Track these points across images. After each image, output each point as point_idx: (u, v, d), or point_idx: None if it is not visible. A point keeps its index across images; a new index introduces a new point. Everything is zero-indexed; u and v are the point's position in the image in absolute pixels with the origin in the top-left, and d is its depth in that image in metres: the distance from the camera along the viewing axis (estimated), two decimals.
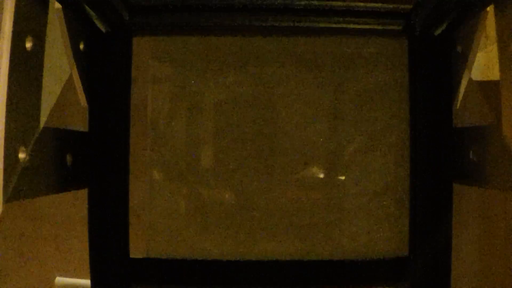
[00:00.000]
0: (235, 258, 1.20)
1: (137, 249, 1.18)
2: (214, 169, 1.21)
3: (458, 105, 1.11)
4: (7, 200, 0.75)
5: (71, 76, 1.02)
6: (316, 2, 1.16)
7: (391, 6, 1.17)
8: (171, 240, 1.21)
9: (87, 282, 1.09)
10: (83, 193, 1.12)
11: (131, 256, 1.16)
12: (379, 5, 1.17)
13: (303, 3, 1.17)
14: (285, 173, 1.22)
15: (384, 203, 1.22)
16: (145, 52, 1.21)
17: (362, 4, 1.17)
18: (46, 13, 0.88)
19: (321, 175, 1.22)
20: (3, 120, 0.74)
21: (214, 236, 1.21)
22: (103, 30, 1.13)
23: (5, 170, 0.74)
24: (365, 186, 1.22)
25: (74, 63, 1.01)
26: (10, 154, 0.76)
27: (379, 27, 1.18)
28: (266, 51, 1.23)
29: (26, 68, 0.81)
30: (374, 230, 1.21)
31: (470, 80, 1.06)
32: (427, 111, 1.16)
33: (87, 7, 1.03)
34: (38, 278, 1.11)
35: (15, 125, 0.78)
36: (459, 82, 1.09)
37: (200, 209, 1.21)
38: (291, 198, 1.22)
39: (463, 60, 1.07)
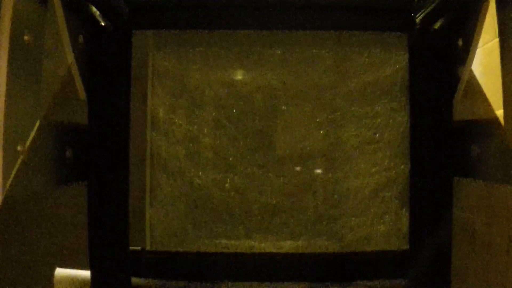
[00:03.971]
0: (234, 251, 1.21)
1: (136, 241, 1.19)
2: (213, 163, 1.22)
3: (458, 99, 1.11)
4: (7, 193, 0.75)
5: (70, 69, 1.02)
6: None
7: (392, 1, 1.16)
8: (171, 233, 1.22)
9: (87, 273, 1.10)
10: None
11: (131, 248, 1.17)
12: (380, 0, 1.17)
13: None
14: (285, 168, 1.22)
15: (385, 197, 1.22)
16: (145, 47, 1.22)
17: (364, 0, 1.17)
18: (45, 8, 0.88)
19: (322, 170, 1.23)
20: (3, 114, 0.75)
21: (213, 229, 1.21)
22: (103, 24, 1.13)
23: (4, 164, 0.75)
24: (366, 180, 1.22)
25: (73, 57, 1.01)
26: (10, 149, 0.77)
27: (379, 22, 1.18)
28: (266, 46, 1.23)
29: (25, 62, 0.82)
30: (374, 224, 1.22)
31: (471, 74, 1.05)
32: (427, 105, 1.16)
33: (86, 2, 1.04)
34: (38, 269, 1.11)
35: (14, 119, 0.78)
36: (459, 76, 1.09)
37: (200, 203, 1.22)
38: (290, 193, 1.22)
39: (463, 54, 1.06)
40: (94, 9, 1.06)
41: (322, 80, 1.23)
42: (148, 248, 1.21)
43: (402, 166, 1.21)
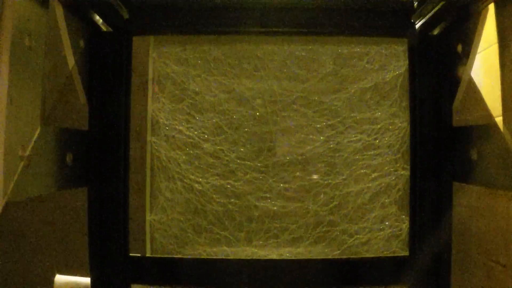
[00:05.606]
0: (234, 257, 1.20)
1: (136, 247, 1.18)
2: (213, 169, 1.21)
3: (458, 104, 1.11)
4: (8, 198, 0.75)
5: (71, 74, 1.02)
6: (316, 2, 1.16)
7: (391, 6, 1.17)
8: (171, 239, 1.21)
9: (87, 280, 1.09)
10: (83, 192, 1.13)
11: (131, 254, 1.17)
12: (379, 5, 1.17)
13: (303, 2, 1.17)
14: (285, 174, 1.22)
15: (385, 203, 1.22)
16: (146, 52, 1.22)
17: (362, 4, 1.17)
18: (46, 12, 0.88)
19: (321, 176, 1.22)
20: (4, 119, 0.74)
21: (213, 235, 1.21)
22: (104, 29, 1.13)
23: (5, 168, 0.74)
24: (366, 186, 1.22)
25: (74, 62, 1.01)
26: (11, 153, 0.76)
27: (379, 27, 1.18)
28: (266, 50, 1.23)
29: (26, 66, 0.82)
30: (374, 230, 1.21)
31: (470, 79, 1.05)
32: (427, 110, 1.16)
33: (87, 7, 1.04)
34: (38, 276, 1.10)
35: (15, 124, 0.78)
36: (458, 81, 1.09)
37: (200, 208, 1.21)
38: (290, 198, 1.22)
39: (463, 59, 1.06)
40: (95, 14, 1.06)
41: (322, 86, 1.23)
42: (148, 254, 1.20)
43: (402, 172, 1.21)
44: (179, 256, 1.20)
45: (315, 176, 1.22)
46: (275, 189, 1.21)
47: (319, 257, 1.21)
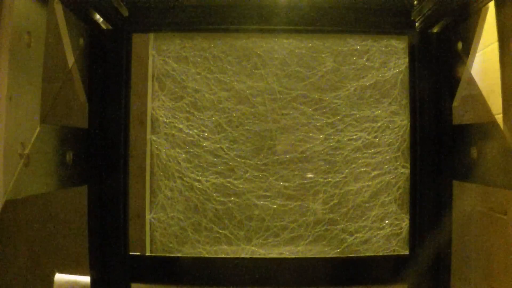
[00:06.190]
0: (234, 256, 1.20)
1: (136, 246, 1.18)
2: (213, 167, 1.21)
3: (458, 102, 1.11)
4: (8, 197, 0.75)
5: (71, 73, 1.02)
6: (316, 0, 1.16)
7: (391, 4, 1.17)
8: (171, 238, 1.21)
9: (87, 278, 1.09)
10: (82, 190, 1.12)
11: (131, 253, 1.16)
12: (379, 3, 1.17)
13: (302, 0, 1.17)
14: (284, 171, 1.22)
15: (385, 201, 1.21)
16: (145, 50, 1.22)
17: (362, 2, 1.17)
18: (45, 10, 0.87)
19: (321, 174, 1.22)
20: (4, 117, 0.74)
21: (213, 234, 1.21)
22: (103, 27, 1.13)
23: (5, 167, 0.74)
24: (365, 184, 1.22)
25: (74, 60, 1.01)
26: (11, 151, 0.76)
27: (379, 25, 1.18)
28: (266, 48, 1.23)
29: (26, 65, 0.81)
30: (374, 228, 1.21)
31: (470, 77, 1.05)
32: (427, 108, 1.16)
33: (87, 5, 1.03)
34: (38, 275, 1.10)
35: (15, 122, 0.78)
36: (459, 80, 1.09)
37: (200, 207, 1.21)
38: (290, 196, 1.22)
39: (463, 57, 1.06)
40: (94, 12, 1.06)
41: (322, 83, 1.23)
42: (148, 253, 1.20)
43: (402, 170, 1.21)
44: (179, 255, 1.20)
45: (315, 175, 1.22)
46: (275, 188, 1.21)
47: (319, 256, 1.21)
